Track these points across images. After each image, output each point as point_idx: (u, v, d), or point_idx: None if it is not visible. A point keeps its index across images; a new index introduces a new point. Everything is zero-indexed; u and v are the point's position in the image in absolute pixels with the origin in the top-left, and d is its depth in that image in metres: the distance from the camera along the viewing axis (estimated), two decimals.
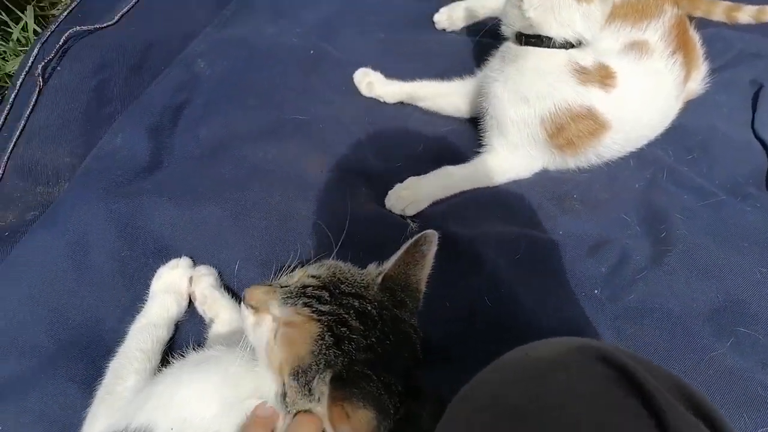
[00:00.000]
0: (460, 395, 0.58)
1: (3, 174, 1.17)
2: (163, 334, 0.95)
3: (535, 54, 1.15)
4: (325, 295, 0.71)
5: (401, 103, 1.38)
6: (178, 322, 0.99)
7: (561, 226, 1.18)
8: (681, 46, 1.27)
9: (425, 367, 0.75)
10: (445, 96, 1.37)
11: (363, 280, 0.76)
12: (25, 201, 1.15)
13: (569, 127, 1.17)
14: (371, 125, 1.32)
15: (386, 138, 1.30)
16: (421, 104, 1.37)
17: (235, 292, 1.04)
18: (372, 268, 0.79)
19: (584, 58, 1.16)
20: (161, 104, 1.26)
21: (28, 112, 1.24)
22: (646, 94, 1.23)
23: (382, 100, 1.37)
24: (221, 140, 1.23)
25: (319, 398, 0.66)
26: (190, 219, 1.09)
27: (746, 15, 1.55)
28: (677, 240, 1.13)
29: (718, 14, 1.56)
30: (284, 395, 0.70)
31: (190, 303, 1.01)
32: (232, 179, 1.16)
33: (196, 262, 1.06)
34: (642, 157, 1.30)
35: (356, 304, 0.72)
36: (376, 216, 1.17)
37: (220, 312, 0.96)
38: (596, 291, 1.09)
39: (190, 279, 1.01)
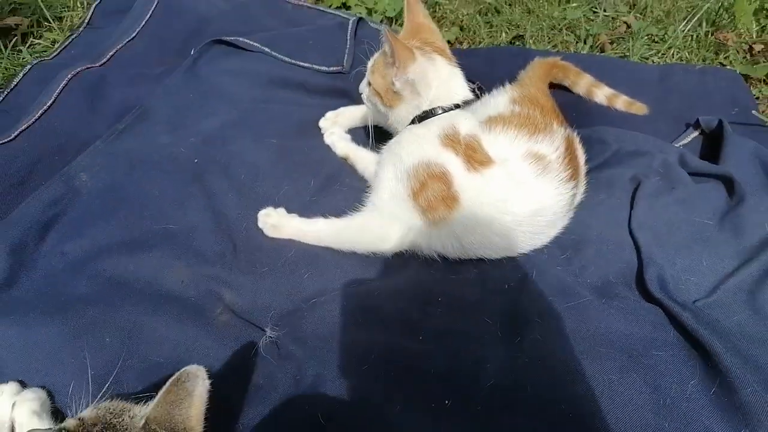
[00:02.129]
0: None
1: None
2: None
3: (414, 126, 1.28)
4: None
5: None
6: None
7: (421, 333, 1.16)
8: (574, 170, 1.30)
9: None
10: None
11: (123, 423, 0.75)
12: None
13: (428, 187, 1.20)
14: (243, 232, 1.33)
15: (254, 245, 1.31)
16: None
17: (66, 416, 1.01)
18: (137, 409, 0.78)
19: (462, 124, 1.24)
20: (30, 220, 1.27)
21: None
22: (516, 207, 1.22)
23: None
24: (85, 254, 1.24)
25: None
26: (30, 340, 1.07)
27: (602, 94, 1.66)
28: (530, 346, 1.11)
29: (581, 87, 1.68)
30: None
31: None
32: (84, 296, 1.16)
33: (31, 384, 1.04)
34: (516, 258, 1.30)
35: None
36: (231, 327, 1.16)
37: None
38: (447, 402, 1.06)
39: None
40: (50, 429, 0.75)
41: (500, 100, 1.43)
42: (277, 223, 1.34)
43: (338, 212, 1.36)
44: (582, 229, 1.35)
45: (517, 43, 2.04)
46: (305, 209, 1.38)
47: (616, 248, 1.32)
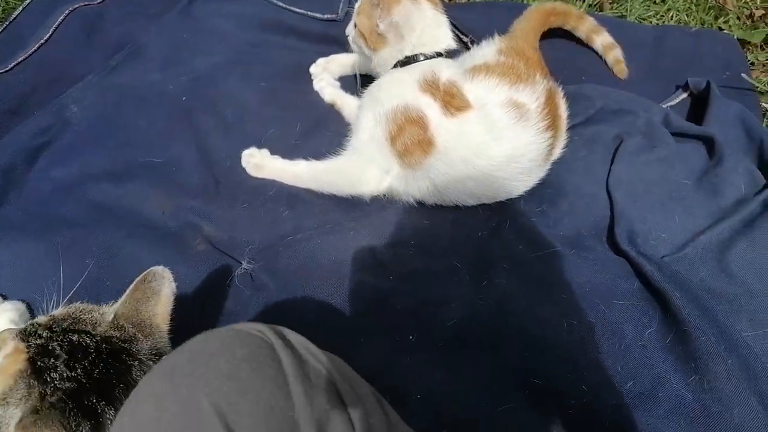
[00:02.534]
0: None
1: None
2: None
3: (396, 69, 1.30)
4: (45, 332, 0.77)
5: None
6: None
7: (391, 273, 1.20)
8: (553, 121, 1.29)
9: None
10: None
11: (92, 318, 0.80)
12: None
13: (405, 131, 1.21)
14: (226, 169, 1.36)
15: (236, 181, 1.34)
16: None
17: None
18: (105, 308, 0.83)
19: (442, 71, 1.25)
20: (20, 145, 1.31)
21: None
22: (491, 150, 1.22)
23: None
24: (72, 180, 1.28)
25: None
26: (13, 255, 1.13)
27: (599, 42, 1.66)
28: (494, 290, 1.15)
29: (582, 31, 1.67)
30: None
31: None
32: (70, 217, 1.21)
33: (16, 297, 1.09)
34: (492, 207, 1.32)
35: (74, 338, 0.77)
36: (208, 257, 1.20)
37: None
38: (411, 337, 1.10)
39: None
40: (21, 327, 0.80)
41: (487, 50, 1.42)
42: (260, 163, 1.36)
43: (322, 156, 1.38)
44: (560, 183, 1.36)
45: None
46: (289, 152, 1.40)
47: (590, 202, 1.34)
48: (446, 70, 1.25)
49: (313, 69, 1.60)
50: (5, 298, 1.09)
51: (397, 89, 1.25)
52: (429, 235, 1.27)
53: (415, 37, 1.27)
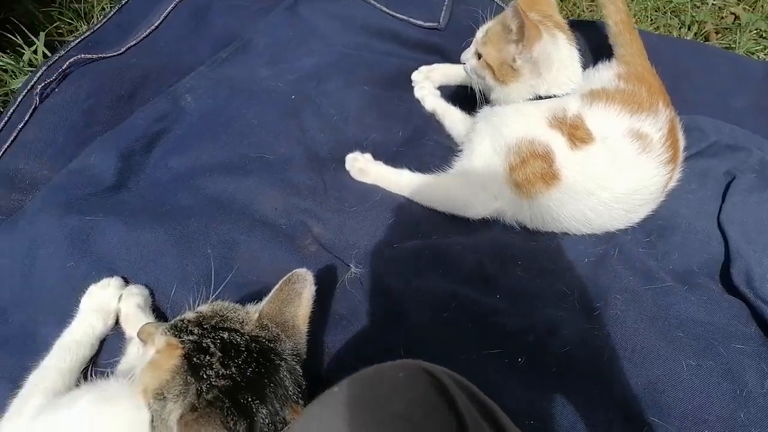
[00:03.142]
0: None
1: None
2: (86, 352, 1.00)
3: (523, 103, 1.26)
4: (196, 328, 0.78)
5: None
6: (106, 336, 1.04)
7: (498, 291, 1.19)
8: (674, 154, 1.27)
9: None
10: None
11: (239, 316, 0.81)
12: None
13: (528, 164, 1.19)
14: (332, 171, 1.37)
15: (343, 184, 1.35)
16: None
17: (164, 314, 1.09)
18: (250, 307, 0.84)
19: (571, 106, 1.23)
20: (139, 131, 1.34)
21: (20, 126, 1.35)
22: (614, 183, 1.21)
23: None
24: (187, 170, 1.30)
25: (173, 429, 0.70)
26: (137, 240, 1.15)
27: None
28: (609, 320, 1.13)
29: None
30: (152, 421, 0.74)
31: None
32: (187, 207, 1.23)
33: (134, 281, 1.11)
34: (598, 234, 1.30)
35: (225, 336, 0.78)
36: (319, 257, 1.21)
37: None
38: (520, 359, 1.09)
39: (120, 297, 1.05)
40: (170, 321, 0.81)
41: (605, 74, 1.40)
42: (364, 167, 1.37)
43: (423, 165, 1.38)
44: (670, 216, 1.33)
45: None
46: (392, 158, 1.40)
47: (703, 238, 1.31)
48: (574, 105, 1.23)
49: (415, 76, 1.60)
50: (127, 282, 1.10)
51: (523, 122, 1.22)
52: (535, 257, 1.26)
53: (551, 76, 1.24)
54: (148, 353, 0.78)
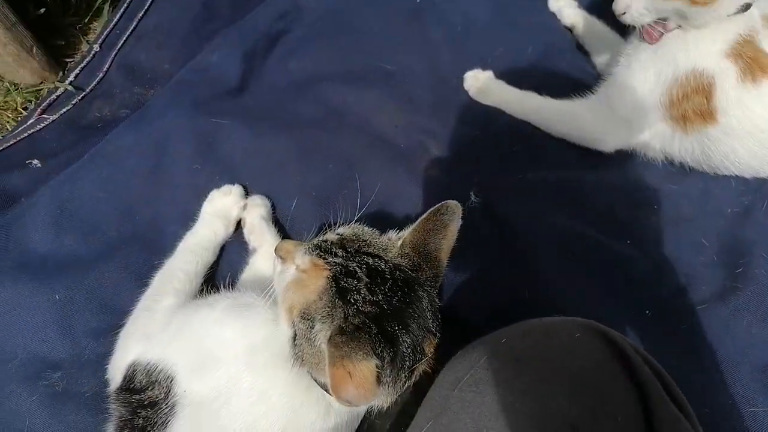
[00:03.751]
0: (479, 340, 0.69)
1: (108, 68, 1.27)
2: (209, 256, 1.01)
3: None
4: (340, 251, 0.76)
5: None
6: (224, 244, 1.04)
7: (630, 236, 1.11)
8: None
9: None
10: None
11: (382, 243, 0.79)
12: (121, 98, 1.24)
13: (689, 99, 1.08)
14: (454, 88, 1.28)
15: (464, 104, 1.27)
16: None
17: (282, 226, 1.08)
18: (392, 234, 0.81)
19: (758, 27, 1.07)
20: (260, 30, 1.29)
21: (141, 15, 1.32)
22: None
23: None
24: (307, 76, 1.25)
25: (320, 349, 0.69)
26: (261, 147, 1.14)
27: None
28: (752, 280, 1.04)
29: None
30: (294, 338, 0.74)
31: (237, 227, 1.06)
32: (308, 117, 1.19)
33: (254, 191, 1.10)
34: (745, 181, 1.18)
35: (370, 261, 0.75)
36: (437, 183, 1.16)
37: (264, 243, 1.00)
38: (647, 312, 1.03)
39: (244, 206, 1.05)
40: (312, 241, 0.79)
41: None
42: (485, 87, 1.27)
43: (555, 88, 1.27)
44: None
45: None
46: (519, 78, 1.29)
47: None
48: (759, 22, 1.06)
49: None
50: (247, 190, 1.10)
51: (706, 48, 1.06)
52: (672, 203, 1.16)
53: None
54: (288, 271, 0.77)
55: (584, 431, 0.54)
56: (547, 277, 1.04)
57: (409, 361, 0.72)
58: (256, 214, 1.04)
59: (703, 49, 1.06)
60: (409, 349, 0.72)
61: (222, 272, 1.02)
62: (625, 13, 1.11)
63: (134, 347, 0.82)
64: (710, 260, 1.09)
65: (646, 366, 0.60)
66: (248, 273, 1.00)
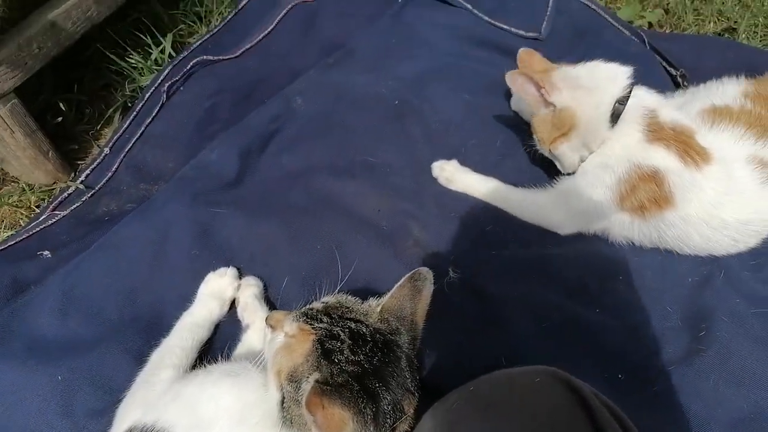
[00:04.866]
0: (452, 391, 0.74)
1: (117, 168, 1.39)
2: (204, 334, 1.08)
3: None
4: (325, 317, 0.84)
5: None
6: (219, 323, 1.12)
7: (600, 305, 1.19)
8: None
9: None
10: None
11: (363, 309, 0.87)
12: (128, 194, 1.36)
13: (638, 189, 1.17)
14: (434, 178, 1.41)
15: (442, 190, 1.39)
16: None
17: (274, 305, 1.16)
18: (372, 301, 0.89)
19: (665, 113, 1.19)
20: (256, 130, 1.44)
21: (148, 121, 1.48)
22: (728, 212, 1.17)
23: None
24: (299, 169, 1.39)
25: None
26: (254, 233, 1.24)
27: None
28: (715, 342, 1.11)
29: None
30: (282, 401, 0.80)
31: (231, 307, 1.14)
32: (299, 204, 1.31)
33: (248, 272, 1.19)
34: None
35: (352, 325, 0.83)
36: (418, 259, 1.25)
37: (256, 320, 1.08)
38: (620, 376, 1.09)
39: (238, 286, 1.14)
40: (299, 310, 0.87)
41: (730, 90, 1.34)
42: (451, 176, 1.39)
43: (522, 175, 1.40)
44: None
45: (726, 35, 1.92)
46: (491, 167, 1.43)
47: None
48: (668, 112, 1.20)
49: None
50: (241, 272, 1.19)
51: (623, 148, 1.20)
52: (636, 274, 1.25)
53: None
54: (277, 339, 0.84)
55: None
56: (524, 344, 1.11)
57: (390, 419, 0.78)
58: (249, 293, 1.12)
59: (625, 147, 1.18)
60: (389, 407, 0.78)
61: (217, 347, 1.08)
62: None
63: (132, 414, 0.87)
64: (675, 325, 1.16)
65: (605, 409, 0.65)
66: (241, 348, 1.07)
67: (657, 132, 1.18)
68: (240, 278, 1.17)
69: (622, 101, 1.18)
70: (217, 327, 1.11)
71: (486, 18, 1.81)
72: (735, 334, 1.12)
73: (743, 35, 1.87)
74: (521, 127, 1.57)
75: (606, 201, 1.22)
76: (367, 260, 1.22)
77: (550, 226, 1.32)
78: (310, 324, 0.83)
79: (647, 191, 1.17)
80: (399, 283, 0.90)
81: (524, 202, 1.34)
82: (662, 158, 1.16)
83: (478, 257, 1.27)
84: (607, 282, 1.23)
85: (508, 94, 1.62)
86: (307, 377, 0.77)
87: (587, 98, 1.20)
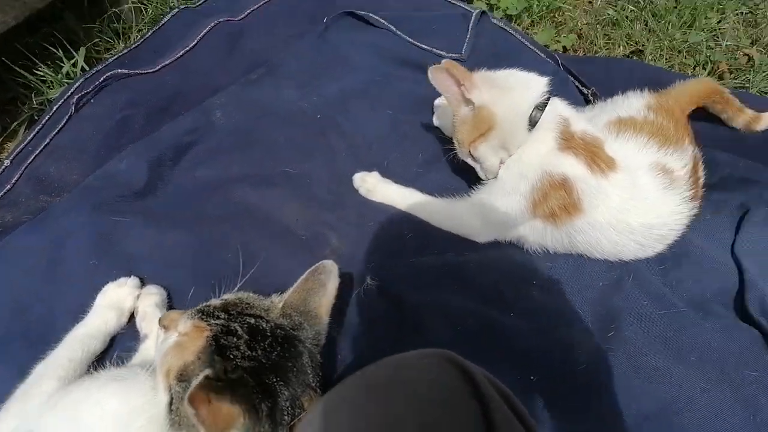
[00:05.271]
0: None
1: (16, 181, 1.32)
2: (97, 346, 1.02)
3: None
4: (223, 313, 0.81)
5: None
6: (115, 335, 1.06)
7: (513, 310, 1.20)
8: (695, 192, 1.28)
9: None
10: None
11: (264, 305, 0.84)
12: (26, 206, 1.28)
13: (550, 197, 1.19)
14: (354, 188, 1.41)
15: (362, 200, 1.39)
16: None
17: None
18: (275, 297, 0.86)
19: (576, 123, 1.23)
20: (169, 142, 1.40)
21: (54, 133, 1.41)
22: (633, 217, 1.21)
23: None
24: (215, 181, 1.35)
25: None
26: (161, 243, 1.19)
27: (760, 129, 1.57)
28: (624, 342, 1.13)
29: (739, 122, 1.58)
30: (171, 403, 0.75)
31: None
32: (214, 214, 1.27)
33: (152, 283, 1.14)
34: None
35: (252, 321, 0.81)
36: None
37: (154, 329, 1.02)
38: (532, 377, 1.09)
39: (137, 296, 1.08)
40: (198, 307, 0.83)
41: (634, 102, 1.41)
42: (372, 187, 1.39)
43: (442, 187, 1.41)
44: (684, 244, 1.33)
45: (634, 57, 2.04)
46: (411, 179, 1.44)
47: (717, 267, 1.31)
48: (580, 122, 1.24)
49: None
50: (144, 283, 1.13)
51: (535, 154, 1.22)
52: (550, 279, 1.27)
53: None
54: (170, 338, 0.80)
55: None
56: (436, 346, 1.09)
57: (288, 416, 0.74)
58: (149, 302, 1.07)
59: (538, 154, 1.21)
60: (287, 403, 0.75)
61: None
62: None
63: (4, 427, 0.80)
64: (586, 328, 1.18)
65: (493, 388, 0.64)
66: (137, 359, 1.01)
67: (568, 141, 1.21)
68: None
69: (540, 107, 1.22)
70: (113, 339, 1.05)
71: (408, 39, 1.85)
72: (642, 333, 1.15)
73: (650, 57, 1.99)
74: (444, 142, 1.59)
75: (520, 209, 1.24)
76: (282, 268, 1.19)
77: (467, 235, 1.33)
78: (206, 321, 0.79)
79: (558, 198, 1.20)
80: (303, 277, 0.88)
81: (442, 212, 1.35)
82: (571, 166, 1.19)
83: (396, 265, 1.26)
84: (521, 287, 1.25)
85: (431, 111, 1.66)
86: (198, 375, 0.73)
87: (506, 98, 1.23)
